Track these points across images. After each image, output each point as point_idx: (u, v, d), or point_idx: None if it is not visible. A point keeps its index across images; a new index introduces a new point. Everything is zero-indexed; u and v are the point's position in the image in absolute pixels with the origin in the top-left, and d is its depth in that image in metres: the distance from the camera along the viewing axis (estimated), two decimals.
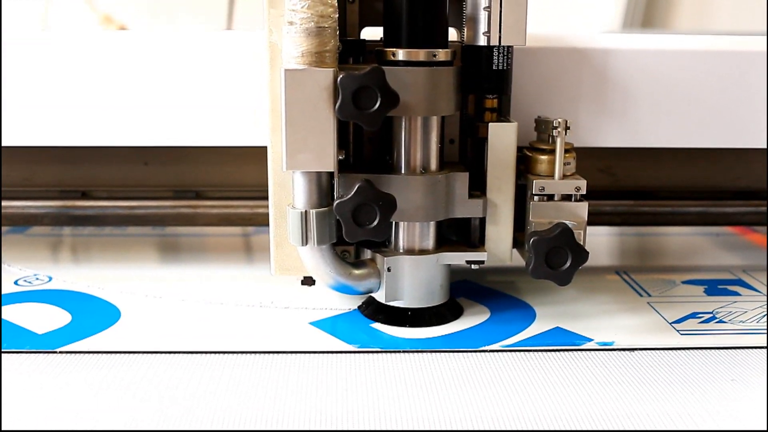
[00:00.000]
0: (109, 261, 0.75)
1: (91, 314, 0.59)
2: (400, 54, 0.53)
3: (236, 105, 0.63)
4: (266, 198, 0.70)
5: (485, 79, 0.55)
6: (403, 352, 0.53)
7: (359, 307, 0.60)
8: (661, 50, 0.63)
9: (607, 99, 0.63)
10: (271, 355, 0.53)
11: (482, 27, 0.54)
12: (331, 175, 0.53)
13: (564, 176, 0.56)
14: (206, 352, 0.53)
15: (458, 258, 0.57)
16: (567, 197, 0.56)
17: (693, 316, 0.60)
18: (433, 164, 0.56)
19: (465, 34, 0.56)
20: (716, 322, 0.58)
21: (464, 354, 0.53)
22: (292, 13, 0.50)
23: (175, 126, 0.64)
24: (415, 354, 0.53)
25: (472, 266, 0.57)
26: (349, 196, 0.51)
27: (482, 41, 0.54)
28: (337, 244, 0.55)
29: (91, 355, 0.52)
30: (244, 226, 0.79)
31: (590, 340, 0.55)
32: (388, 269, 0.56)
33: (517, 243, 0.59)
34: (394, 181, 0.54)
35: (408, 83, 0.52)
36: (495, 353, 0.53)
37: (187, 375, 0.49)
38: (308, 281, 0.59)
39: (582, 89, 0.63)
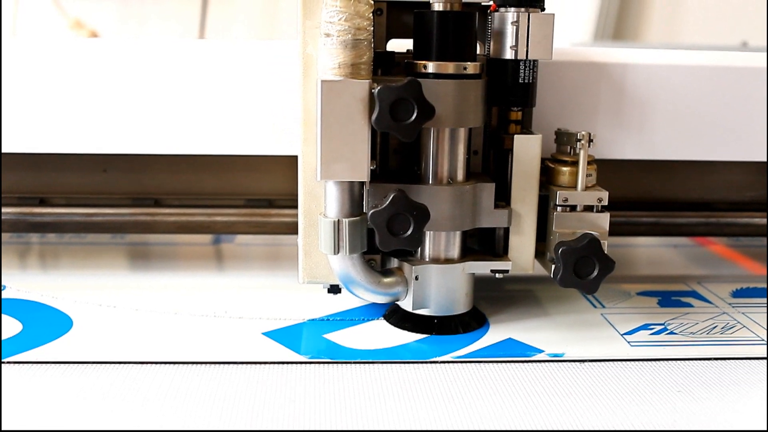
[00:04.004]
0: (65, 269, 0.74)
1: (43, 324, 0.58)
2: (431, 66, 0.54)
3: (196, 113, 0.64)
4: (225, 206, 0.71)
5: (511, 92, 0.57)
6: (354, 363, 0.53)
7: (384, 315, 0.61)
8: (679, 65, 0.65)
9: (625, 112, 0.65)
10: (220, 366, 0.52)
11: (509, 41, 0.55)
12: (362, 184, 0.54)
13: (586, 187, 0.58)
14: (155, 363, 0.52)
15: (483, 267, 0.58)
16: (589, 208, 0.58)
17: (645, 327, 0.60)
18: (460, 175, 0.57)
19: (491, 47, 0.57)
20: (667, 334, 0.59)
21: (414, 365, 0.53)
22: (329, 26, 0.51)
23: (134, 133, 0.64)
24: (366, 365, 0.53)
25: (497, 275, 0.59)
26: (384, 205, 0.52)
27: (509, 55, 0.56)
28: (364, 253, 0.56)
29: (38, 365, 0.51)
30: (202, 234, 0.78)
31: (541, 351, 0.55)
32: (416, 278, 0.57)
33: (536, 252, 0.60)
34: (423, 191, 0.55)
35: (438, 95, 0.53)
36: (445, 364, 0.53)
37: (135, 386, 0.49)
38: (334, 289, 0.59)
39: (600, 102, 0.65)
